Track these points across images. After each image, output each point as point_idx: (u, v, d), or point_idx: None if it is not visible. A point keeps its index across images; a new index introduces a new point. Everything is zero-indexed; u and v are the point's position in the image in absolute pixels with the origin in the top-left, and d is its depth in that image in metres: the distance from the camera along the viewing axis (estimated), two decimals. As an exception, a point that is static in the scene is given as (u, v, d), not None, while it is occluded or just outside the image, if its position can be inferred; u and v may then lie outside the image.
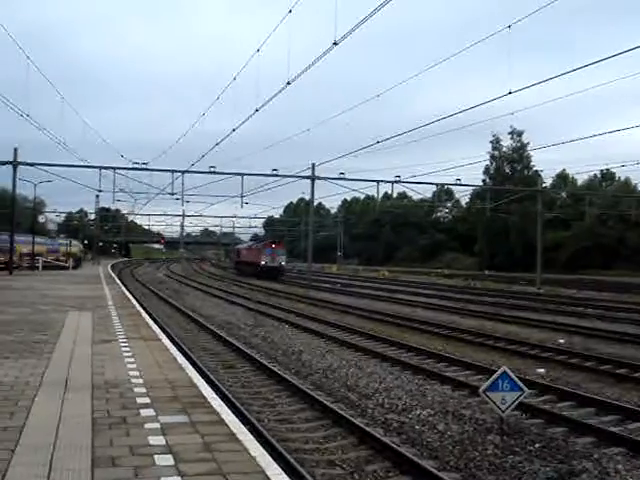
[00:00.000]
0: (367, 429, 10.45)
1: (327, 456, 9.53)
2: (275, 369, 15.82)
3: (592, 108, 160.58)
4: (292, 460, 8.74)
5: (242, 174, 47.05)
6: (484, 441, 10.10)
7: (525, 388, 9.99)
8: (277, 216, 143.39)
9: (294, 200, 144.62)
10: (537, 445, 9.96)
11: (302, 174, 51.36)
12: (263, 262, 67.39)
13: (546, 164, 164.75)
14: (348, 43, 22.40)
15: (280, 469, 6.03)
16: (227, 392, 12.77)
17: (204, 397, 8.67)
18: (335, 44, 19.26)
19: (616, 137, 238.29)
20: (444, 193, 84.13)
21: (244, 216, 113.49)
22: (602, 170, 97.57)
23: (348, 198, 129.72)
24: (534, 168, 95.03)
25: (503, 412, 9.84)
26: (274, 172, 48.38)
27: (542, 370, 16.20)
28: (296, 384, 14.03)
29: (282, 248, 71.60)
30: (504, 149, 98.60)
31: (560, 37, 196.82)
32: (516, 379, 9.89)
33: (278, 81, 25.23)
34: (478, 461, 9.23)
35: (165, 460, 5.96)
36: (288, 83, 23.92)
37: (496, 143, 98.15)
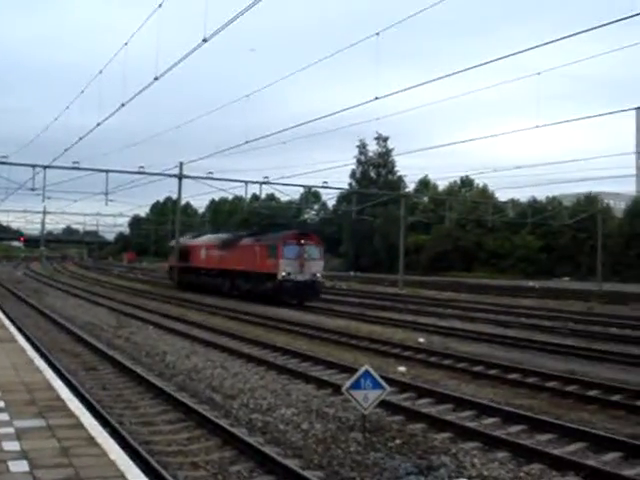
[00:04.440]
0: (231, 430, 10.43)
1: (191, 458, 9.44)
2: (138, 371, 15.51)
3: (453, 116, 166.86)
4: (154, 463, 8.60)
5: (107, 170, 45.73)
6: (347, 439, 10.28)
7: (386, 386, 10.25)
8: (143, 215, 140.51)
9: (161, 199, 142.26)
10: (398, 441, 10.24)
11: (170, 172, 50.60)
12: (284, 273, 36.42)
13: (410, 169, 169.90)
14: (219, 41, 22.27)
15: (140, 472, 5.94)
16: (87, 395, 12.42)
17: (62, 400, 8.42)
18: (205, 41, 19.08)
19: (475, 145, 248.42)
20: (312, 195, 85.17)
21: (109, 214, 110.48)
22: (462, 177, 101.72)
23: (216, 198, 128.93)
24: (398, 173, 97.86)
25: (365, 410, 10.06)
26: (141, 169, 47.38)
27: (403, 368, 16.66)
28: (160, 386, 13.81)
29: (317, 245, 39.00)
30: (370, 154, 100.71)
31: (426, 46, 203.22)
32: (378, 377, 10.13)
33: (146, 76, 24.72)
34: (341, 459, 9.39)
35: (20, 466, 5.75)
36: (156, 78, 23.48)
37: (362, 148, 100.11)
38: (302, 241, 37.73)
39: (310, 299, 37.34)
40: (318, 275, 37.57)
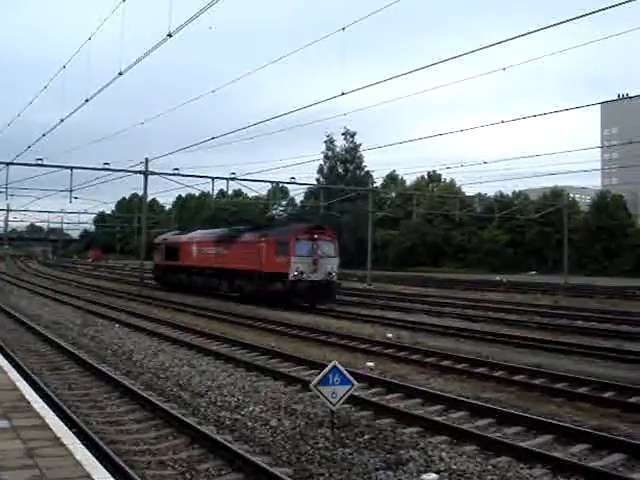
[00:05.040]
0: (199, 428, 10.35)
1: (159, 457, 9.36)
2: (104, 370, 15.36)
3: (420, 111, 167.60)
4: (121, 462, 8.50)
5: (71, 167, 45.15)
6: (315, 435, 10.26)
7: (355, 382, 10.24)
8: (109, 212, 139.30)
9: (127, 196, 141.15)
10: (366, 436, 10.25)
11: (135, 169, 50.14)
12: (295, 272, 32.29)
13: (377, 165, 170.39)
14: (185, 36, 22.13)
15: (107, 472, 5.86)
16: (52, 395, 12.27)
17: (27, 401, 8.30)
18: (170, 36, 18.91)
19: (442, 140, 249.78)
20: (279, 191, 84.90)
21: (73, 211, 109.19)
22: (429, 172, 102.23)
23: (183, 194, 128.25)
24: (366, 168, 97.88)
25: (334, 405, 10.05)
26: (105, 166, 46.88)
27: (371, 363, 16.69)
28: (126, 384, 13.67)
29: (332, 241, 34.90)
30: (338, 149, 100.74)
31: (392, 41, 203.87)
32: (346, 373, 10.12)
33: (110, 71, 24.46)
34: (310, 455, 9.37)
35: (-18, 468, 5.64)
36: (120, 74, 23.24)
37: (330, 143, 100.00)
38: (315, 236, 33.45)
39: (324, 301, 33.33)
40: (333, 274, 33.48)
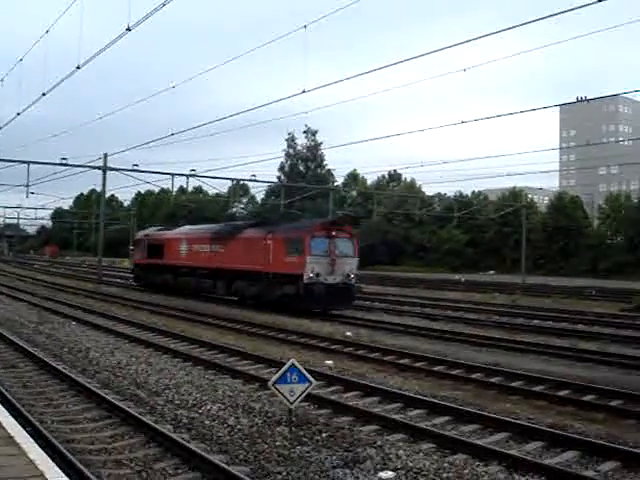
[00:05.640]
0: (156, 426, 10.26)
1: (114, 456, 9.26)
2: (60, 367, 15.16)
3: (381, 110, 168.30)
4: (76, 461, 8.39)
5: (28, 162, 44.52)
6: (273, 433, 10.25)
7: (313, 380, 10.23)
8: (67, 207, 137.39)
9: (85, 191, 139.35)
10: (324, 435, 10.26)
11: (94, 164, 49.56)
12: (311, 274, 28.53)
13: (338, 163, 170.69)
14: (144, 31, 21.92)
15: (60, 472, 5.77)
16: (6, 393, 12.08)
17: (-21, 399, 8.13)
18: (129, 30, 18.73)
19: (403, 140, 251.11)
20: (240, 188, 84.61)
21: (30, 207, 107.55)
22: (390, 171, 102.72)
23: (142, 190, 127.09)
24: (327, 167, 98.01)
25: (292, 404, 10.03)
26: (63, 161, 46.31)
27: (330, 362, 16.71)
28: (82, 383, 13.51)
29: (351, 238, 30.99)
30: (299, 147, 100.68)
31: (354, 40, 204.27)
32: (304, 371, 10.11)
33: (68, 65, 24.13)
34: (267, 453, 9.35)
35: None
36: (78, 67, 22.95)
37: (291, 141, 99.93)
38: (333, 233, 29.60)
39: (341, 307, 29.94)
40: (352, 277, 29.76)
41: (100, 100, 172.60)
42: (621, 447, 9.83)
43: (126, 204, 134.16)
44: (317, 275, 28.39)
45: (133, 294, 38.71)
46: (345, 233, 30.47)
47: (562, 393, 13.87)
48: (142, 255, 44.69)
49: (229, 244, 34.16)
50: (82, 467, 8.20)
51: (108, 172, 47.87)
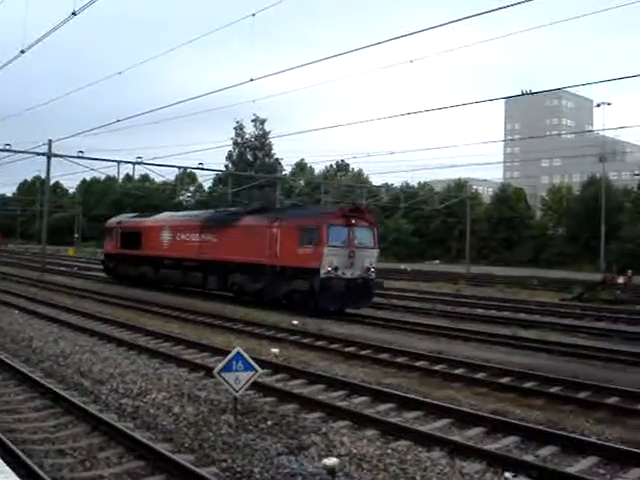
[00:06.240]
0: (100, 415, 10.20)
1: (58, 445, 9.17)
2: (2, 357, 14.90)
3: (329, 100, 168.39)
4: (18, 451, 8.30)
5: (-31, 148, 43.47)
6: (218, 421, 10.26)
7: (258, 368, 10.25)
8: (10, 194, 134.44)
9: (29, 178, 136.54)
10: (269, 422, 10.32)
11: (38, 150, 48.59)
12: (329, 267, 25.03)
13: (286, 153, 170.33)
14: (91, 15, 21.58)
15: (1, 461, 5.71)
16: (-54, 383, 11.84)
17: None
18: (74, 14, 18.44)
19: (350, 130, 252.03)
20: (187, 177, 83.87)
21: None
22: (337, 161, 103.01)
23: (88, 178, 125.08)
24: (275, 156, 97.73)
25: (237, 392, 10.04)
26: (7, 147, 45.31)
27: (276, 350, 16.75)
28: (25, 372, 13.32)
29: (371, 227, 27.36)
30: (247, 136, 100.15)
31: (303, 29, 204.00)
32: (249, 359, 10.12)
33: (12, 49, 23.71)
34: (212, 441, 9.37)
35: None
36: (22, 52, 22.53)
37: (239, 130, 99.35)
38: (353, 220, 26.05)
39: (360, 305, 26.27)
40: (372, 271, 26.22)
41: (46, 86, 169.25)
42: (560, 432, 10.10)
43: (71, 192, 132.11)
44: (335, 269, 24.97)
45: (78, 282, 38.18)
46: (365, 221, 26.87)
47: (503, 380, 14.18)
48: (114, 245, 40.22)
49: (224, 233, 30.50)
50: (24, 456, 8.12)
51: (53, 159, 47.01)
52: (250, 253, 27.96)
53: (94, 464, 8.47)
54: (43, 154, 46.87)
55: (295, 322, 22.51)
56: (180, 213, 39.99)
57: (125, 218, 42.58)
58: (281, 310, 26.06)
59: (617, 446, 9.49)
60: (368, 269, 25.89)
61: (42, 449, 8.98)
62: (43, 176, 59.41)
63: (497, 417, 10.86)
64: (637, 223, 69.89)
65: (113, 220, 42.78)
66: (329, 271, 24.81)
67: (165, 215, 39.50)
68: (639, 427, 10.84)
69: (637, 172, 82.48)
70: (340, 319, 23.76)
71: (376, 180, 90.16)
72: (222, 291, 30.82)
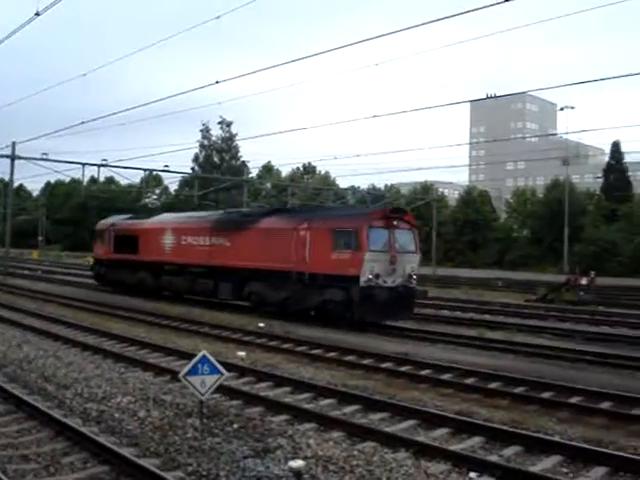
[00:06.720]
0: (64, 420, 10.09)
1: (21, 451, 9.05)
2: (-37, 362, 14.71)
3: (295, 103, 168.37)
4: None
5: None
6: (184, 425, 10.22)
7: (224, 371, 10.22)
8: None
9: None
10: (235, 425, 10.30)
11: (1, 152, 47.99)
12: (369, 275, 22.20)
13: (253, 155, 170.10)
14: (54, 16, 21.39)
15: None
16: None
17: None
18: (37, 15, 18.28)
19: (317, 132, 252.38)
20: (153, 179, 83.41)
21: None
22: (304, 163, 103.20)
23: (52, 180, 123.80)
24: (242, 158, 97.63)
25: (203, 395, 10.00)
26: (-32, 149, 44.74)
27: (242, 353, 16.70)
28: (-13, 377, 13.15)
29: (412, 230, 24.49)
30: (214, 138, 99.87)
31: (268, 32, 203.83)
32: (215, 362, 10.09)
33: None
34: (178, 445, 9.32)
35: None
36: (-16, 54, 22.25)
37: (206, 132, 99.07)
38: (394, 222, 23.45)
39: (400, 317, 23.78)
40: (414, 278, 23.89)
41: (9, 86, 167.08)
42: (524, 432, 10.21)
43: (35, 194, 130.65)
44: (377, 276, 22.39)
45: (42, 286, 37.74)
46: (406, 223, 24.16)
47: (469, 381, 14.30)
48: (107, 249, 36.79)
49: (239, 236, 27.47)
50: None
51: (16, 161, 46.47)
52: (272, 258, 25.21)
53: (58, 469, 8.39)
54: (7, 156, 46.30)
55: (261, 325, 22.48)
56: (184, 214, 36.37)
57: (119, 220, 38.73)
58: (248, 313, 26.00)
59: (580, 445, 9.61)
60: (410, 276, 23.56)
61: (5, 454, 8.86)
62: (6, 178, 58.70)
63: (462, 418, 10.95)
64: (600, 225, 70.96)
65: (105, 222, 39.26)
66: (370, 279, 22.26)
67: (166, 216, 36.76)
68: (601, 426, 11.01)
69: (599, 175, 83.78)
70: (306, 321, 23.76)
71: (343, 183, 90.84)
72: (237, 301, 28.15)
